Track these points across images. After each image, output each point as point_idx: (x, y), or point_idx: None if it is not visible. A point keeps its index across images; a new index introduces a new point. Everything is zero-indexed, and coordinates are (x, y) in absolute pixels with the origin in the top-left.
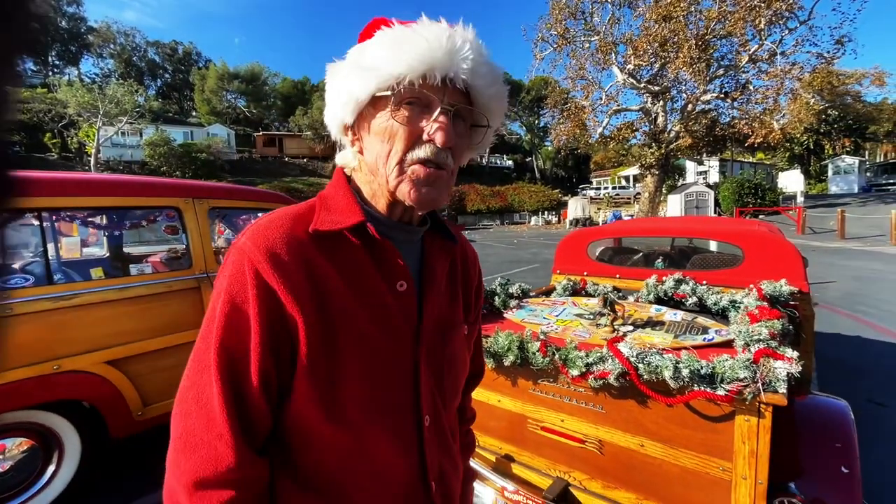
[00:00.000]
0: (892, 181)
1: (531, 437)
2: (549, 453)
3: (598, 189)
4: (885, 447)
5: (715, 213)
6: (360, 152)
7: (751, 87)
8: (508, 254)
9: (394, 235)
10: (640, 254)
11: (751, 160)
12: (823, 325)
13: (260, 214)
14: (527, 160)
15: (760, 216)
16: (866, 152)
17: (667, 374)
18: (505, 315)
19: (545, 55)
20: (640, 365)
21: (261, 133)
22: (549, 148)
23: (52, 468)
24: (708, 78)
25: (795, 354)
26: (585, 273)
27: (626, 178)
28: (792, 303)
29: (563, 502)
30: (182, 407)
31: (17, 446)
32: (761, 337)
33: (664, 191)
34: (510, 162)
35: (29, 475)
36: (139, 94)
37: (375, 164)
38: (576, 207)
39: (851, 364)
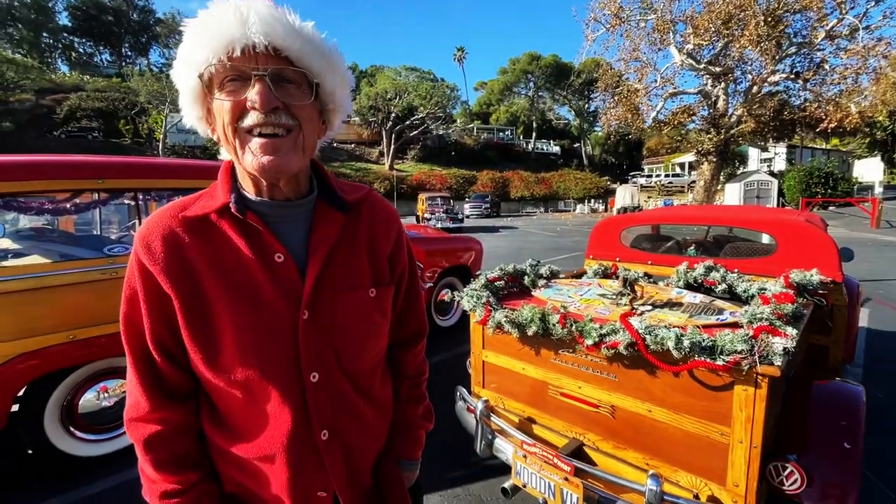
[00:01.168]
0: None
1: (551, 401)
2: (567, 416)
3: (650, 176)
4: None
5: (778, 203)
6: (218, 140)
7: (826, 67)
8: (550, 241)
9: (269, 212)
10: (673, 241)
11: (824, 147)
12: (881, 321)
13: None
14: (575, 146)
15: (830, 208)
16: None
17: (670, 345)
18: (533, 293)
19: (597, 36)
20: (648, 336)
21: None
22: (599, 133)
23: None
24: (777, 57)
25: (794, 332)
26: (618, 259)
27: (681, 166)
28: (820, 291)
29: (577, 459)
30: None
31: (119, 387)
32: (764, 315)
33: (722, 179)
34: (557, 148)
35: None
36: None
37: (226, 145)
38: (624, 195)
39: None
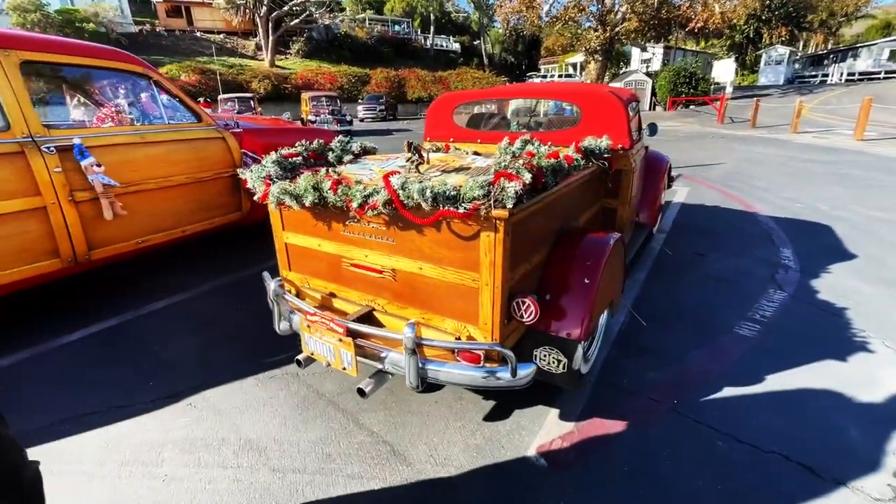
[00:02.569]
0: (814, 73)
1: (346, 273)
2: (360, 286)
3: (545, 77)
4: (681, 283)
5: (650, 102)
6: None
7: None
8: None
9: None
10: (498, 117)
11: (694, 48)
12: (696, 197)
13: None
14: (475, 43)
15: (691, 106)
16: (801, 43)
17: (417, 197)
18: (337, 169)
19: None
20: (401, 192)
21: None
22: (499, 30)
23: None
24: None
25: (529, 177)
26: (451, 139)
27: (574, 66)
28: (606, 156)
29: (367, 322)
30: None
31: None
32: (506, 164)
33: (606, 79)
34: (457, 45)
35: None
36: None
37: None
38: None
39: (701, 226)
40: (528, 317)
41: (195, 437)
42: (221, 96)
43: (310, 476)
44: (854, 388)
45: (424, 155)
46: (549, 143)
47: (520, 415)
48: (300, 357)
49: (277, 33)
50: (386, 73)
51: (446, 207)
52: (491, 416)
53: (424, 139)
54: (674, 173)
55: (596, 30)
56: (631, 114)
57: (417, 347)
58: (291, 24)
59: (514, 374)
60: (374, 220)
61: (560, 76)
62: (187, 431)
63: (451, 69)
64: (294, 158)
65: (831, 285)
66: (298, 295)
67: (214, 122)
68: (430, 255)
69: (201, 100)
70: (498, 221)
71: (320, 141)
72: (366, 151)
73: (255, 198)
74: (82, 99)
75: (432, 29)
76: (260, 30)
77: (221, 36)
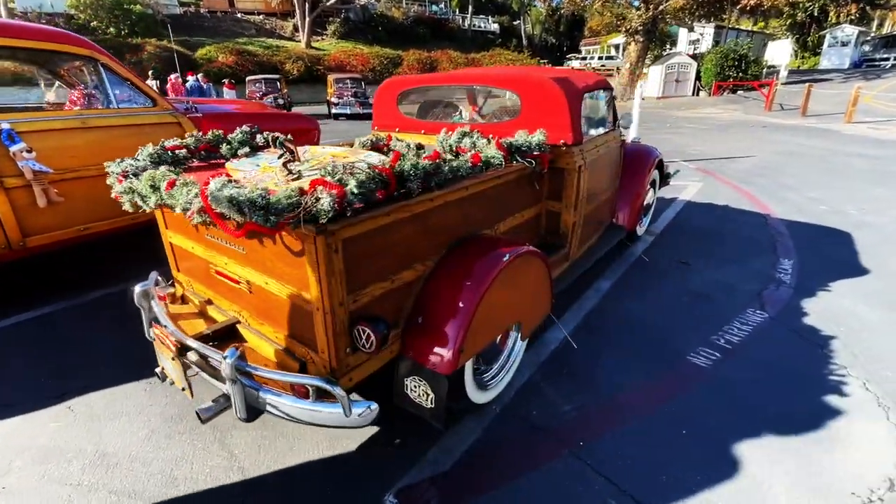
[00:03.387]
0: (886, 56)
1: (214, 279)
2: (226, 294)
3: (585, 59)
4: (650, 296)
5: (693, 86)
6: None
7: None
8: None
9: None
10: (441, 106)
11: (750, 29)
12: (707, 195)
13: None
14: (515, 23)
15: (739, 92)
16: (874, 23)
17: (225, 206)
18: (226, 164)
19: None
20: (211, 199)
21: None
22: (540, 9)
23: None
24: None
25: (354, 184)
26: (397, 129)
27: (616, 48)
28: (535, 153)
29: (230, 340)
30: None
31: None
32: (332, 170)
33: (648, 62)
34: (496, 25)
35: None
36: None
37: None
38: None
39: (699, 229)
40: (369, 346)
41: (55, 445)
42: (249, 78)
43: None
44: (810, 450)
45: (296, 152)
46: (492, 134)
47: (405, 444)
48: (157, 370)
49: (314, 14)
50: (418, 55)
51: (254, 220)
52: (370, 443)
53: (372, 128)
54: (672, 168)
55: (638, 8)
56: (582, 103)
57: (243, 374)
58: (328, 4)
59: (347, 412)
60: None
61: (600, 58)
62: (51, 439)
63: (486, 51)
64: (179, 151)
65: (825, 307)
66: (183, 299)
67: (172, 106)
68: (271, 268)
69: (225, 81)
70: (317, 237)
71: (218, 132)
72: (277, 143)
73: (112, 196)
74: (35, 83)
75: (470, 9)
76: (297, 10)
77: (261, 17)
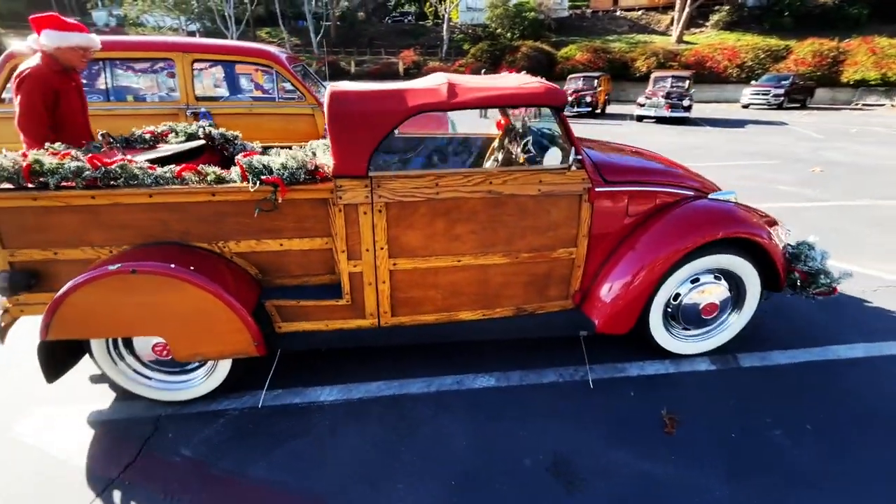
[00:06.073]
0: None
1: None
2: None
3: None
4: None
5: None
6: None
7: None
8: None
9: None
10: None
11: None
12: None
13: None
14: None
15: None
16: None
17: None
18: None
19: None
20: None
21: None
22: None
23: None
24: None
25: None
26: None
27: None
28: (269, 177)
29: None
30: None
31: None
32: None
33: None
34: None
35: None
36: None
37: None
38: None
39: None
40: None
41: None
42: (570, 76)
43: None
44: None
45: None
46: None
47: None
48: None
49: (695, 5)
50: (818, 46)
51: None
52: None
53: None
54: (837, 271)
55: None
56: (390, 129)
57: None
58: None
59: None
60: None
61: None
62: None
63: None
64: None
65: None
66: None
67: (317, 101)
68: None
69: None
70: None
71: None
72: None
73: None
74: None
75: None
76: (678, 2)
77: (640, 12)
